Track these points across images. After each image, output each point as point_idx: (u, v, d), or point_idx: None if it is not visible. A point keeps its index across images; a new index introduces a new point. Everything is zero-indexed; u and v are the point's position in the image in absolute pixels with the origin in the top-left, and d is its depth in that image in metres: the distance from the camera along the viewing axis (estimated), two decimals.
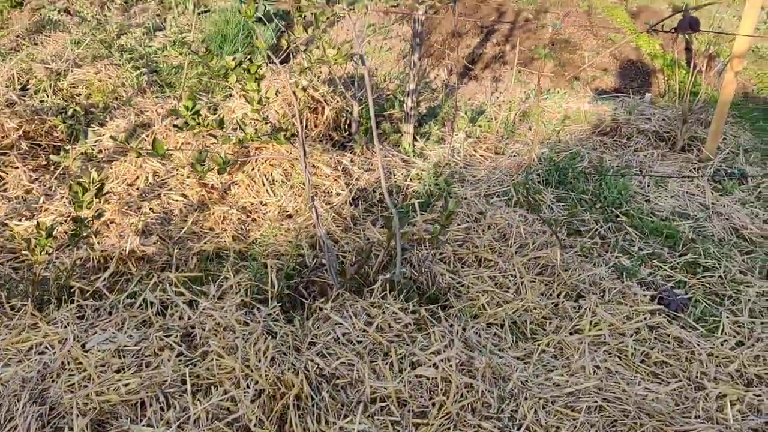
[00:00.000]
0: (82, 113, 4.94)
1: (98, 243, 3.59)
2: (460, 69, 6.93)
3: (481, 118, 5.52)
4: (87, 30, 6.23)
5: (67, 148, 4.53)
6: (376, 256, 3.57)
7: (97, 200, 3.03)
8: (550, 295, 3.54)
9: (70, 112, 4.86)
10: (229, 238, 3.83)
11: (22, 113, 4.55)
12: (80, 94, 5.34)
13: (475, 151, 5.05)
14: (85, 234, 3.12)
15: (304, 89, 2.81)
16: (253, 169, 4.28)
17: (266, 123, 2.94)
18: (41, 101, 5.06)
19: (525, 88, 6.47)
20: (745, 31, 4.51)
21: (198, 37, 6.50)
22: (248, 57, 2.81)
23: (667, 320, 3.41)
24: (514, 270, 3.67)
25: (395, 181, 4.60)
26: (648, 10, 8.82)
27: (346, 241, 3.82)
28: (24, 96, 5.13)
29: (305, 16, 2.80)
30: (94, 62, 5.63)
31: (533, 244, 3.89)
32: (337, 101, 4.92)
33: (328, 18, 2.70)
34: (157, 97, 5.48)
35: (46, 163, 4.45)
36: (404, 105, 5.01)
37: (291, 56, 5.89)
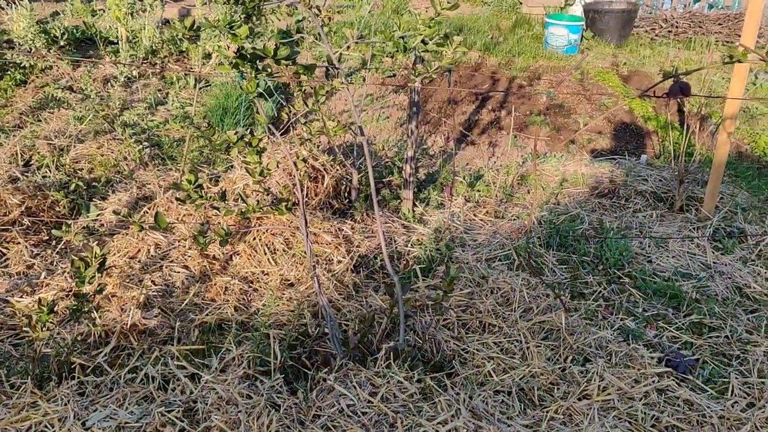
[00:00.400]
0: (84, 188, 5.00)
1: (100, 317, 3.56)
2: (456, 135, 7.04)
3: (479, 182, 5.57)
4: (90, 106, 6.35)
5: (68, 222, 4.56)
6: (379, 324, 3.55)
7: (100, 275, 3.03)
8: (557, 359, 3.50)
9: (72, 187, 4.91)
10: (231, 308, 3.81)
11: (25, 189, 4.59)
12: (83, 169, 5.40)
13: (474, 215, 5.08)
14: (86, 309, 3.10)
15: (305, 160, 2.85)
16: (254, 239, 4.29)
17: (268, 194, 2.97)
18: (44, 177, 5.11)
19: (522, 152, 6.56)
20: (734, 94, 4.61)
21: (200, 110, 6.63)
22: (249, 129, 2.86)
23: (676, 383, 3.37)
24: (519, 335, 3.64)
25: (396, 247, 4.61)
26: (639, 73, 9.04)
27: (348, 309, 3.80)
28: (27, 172, 5.19)
29: (305, 89, 2.86)
30: (97, 137, 5.72)
31: (537, 308, 3.87)
32: (337, 170, 4.98)
33: (327, 91, 2.76)
34: (159, 170, 5.54)
35: (48, 237, 4.47)
36: (403, 172, 5.07)
37: (291, 128, 5.99)
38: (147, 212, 4.65)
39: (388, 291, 3.29)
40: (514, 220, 5.00)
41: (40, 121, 6.30)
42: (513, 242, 4.61)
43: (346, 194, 5.10)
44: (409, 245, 4.64)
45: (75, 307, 3.10)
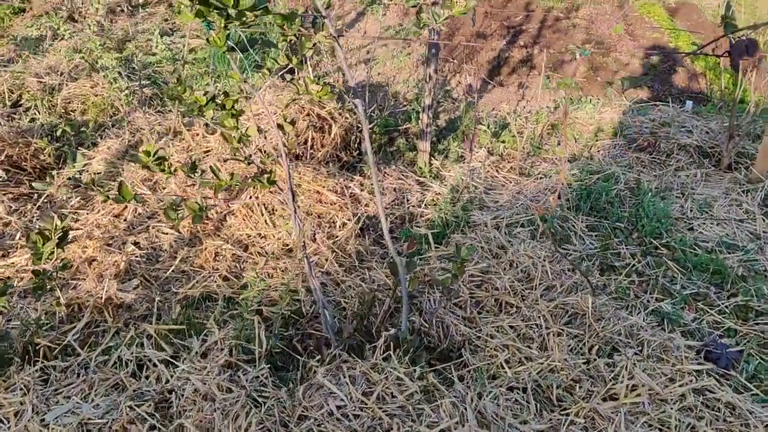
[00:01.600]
0: (73, 134, 4.60)
1: (73, 289, 3.23)
2: (484, 74, 6.46)
3: (504, 132, 5.06)
4: (87, 39, 5.88)
5: (53, 173, 4.19)
6: (381, 304, 3.16)
7: (60, 251, 2.66)
8: (581, 350, 3.09)
9: (58, 133, 4.52)
10: (220, 279, 3.45)
11: (5, 136, 4.21)
12: (75, 110, 5.00)
13: (497, 171, 4.59)
14: (48, 287, 2.76)
15: (293, 123, 2.42)
16: (251, 197, 3.90)
17: (249, 164, 2.55)
18: (32, 120, 4.73)
19: (554, 95, 5.98)
20: None
21: (206, 48, 6.13)
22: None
23: (716, 379, 2.95)
24: (539, 318, 3.23)
25: (408, 207, 4.18)
26: (688, 5, 8.25)
27: (349, 283, 3.42)
28: (15, 113, 4.81)
29: (290, 41, 2.39)
30: (91, 75, 5.27)
31: (561, 286, 3.44)
32: (346, 118, 4.51)
33: (314, 44, 2.28)
34: (158, 112, 5.11)
35: (30, 190, 4.11)
36: (420, 121, 4.58)
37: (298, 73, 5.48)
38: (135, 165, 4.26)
39: (391, 270, 2.89)
40: (541, 178, 4.51)
41: (36, 54, 5.86)
42: (538, 206, 4.14)
43: (356, 145, 4.64)
44: (423, 205, 4.20)
45: (35, 285, 2.75)
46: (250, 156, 2.55)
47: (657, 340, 3.13)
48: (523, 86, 6.23)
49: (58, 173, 4.22)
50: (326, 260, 3.55)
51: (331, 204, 3.97)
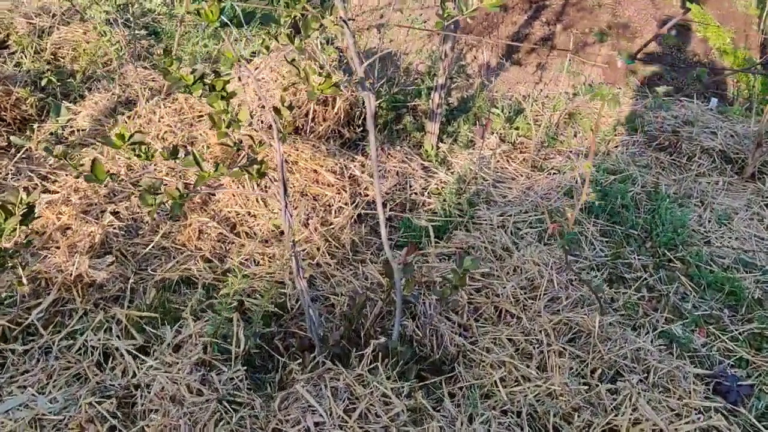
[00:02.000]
0: (59, 84, 4.28)
1: (42, 260, 2.98)
2: (502, 50, 6.12)
3: (519, 118, 4.76)
4: None
5: (34, 126, 3.91)
6: (373, 305, 2.93)
7: (26, 227, 2.41)
8: (582, 372, 2.87)
9: (44, 82, 4.20)
10: (202, 261, 3.20)
11: None
12: (65, 57, 4.67)
13: (508, 162, 4.31)
14: (9, 265, 2.51)
15: (290, 107, 2.16)
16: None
17: (237, 150, 2.28)
18: (17, 64, 4.42)
19: (574, 80, 5.66)
20: None
21: None
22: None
23: (725, 418, 2.74)
24: (541, 333, 3.00)
25: (410, 194, 3.91)
26: None
27: (339, 278, 3.17)
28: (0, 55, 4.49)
29: (295, 17, 2.10)
30: (84, 21, 4.92)
31: (567, 299, 3.21)
32: (352, 91, 4.21)
33: (321, 25, 1.99)
34: (153, 66, 4.79)
35: (6, 144, 3.83)
36: (431, 100, 4.28)
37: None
38: (126, 121, 3.97)
39: (386, 271, 2.65)
40: (554, 174, 4.23)
41: None
42: (549, 205, 3.88)
43: (360, 121, 4.34)
44: (426, 194, 3.94)
45: None
46: (240, 141, 2.28)
47: (664, 368, 2.91)
48: (541, 67, 5.91)
49: (39, 127, 3.93)
50: (318, 250, 3.30)
51: (328, 185, 3.71)
